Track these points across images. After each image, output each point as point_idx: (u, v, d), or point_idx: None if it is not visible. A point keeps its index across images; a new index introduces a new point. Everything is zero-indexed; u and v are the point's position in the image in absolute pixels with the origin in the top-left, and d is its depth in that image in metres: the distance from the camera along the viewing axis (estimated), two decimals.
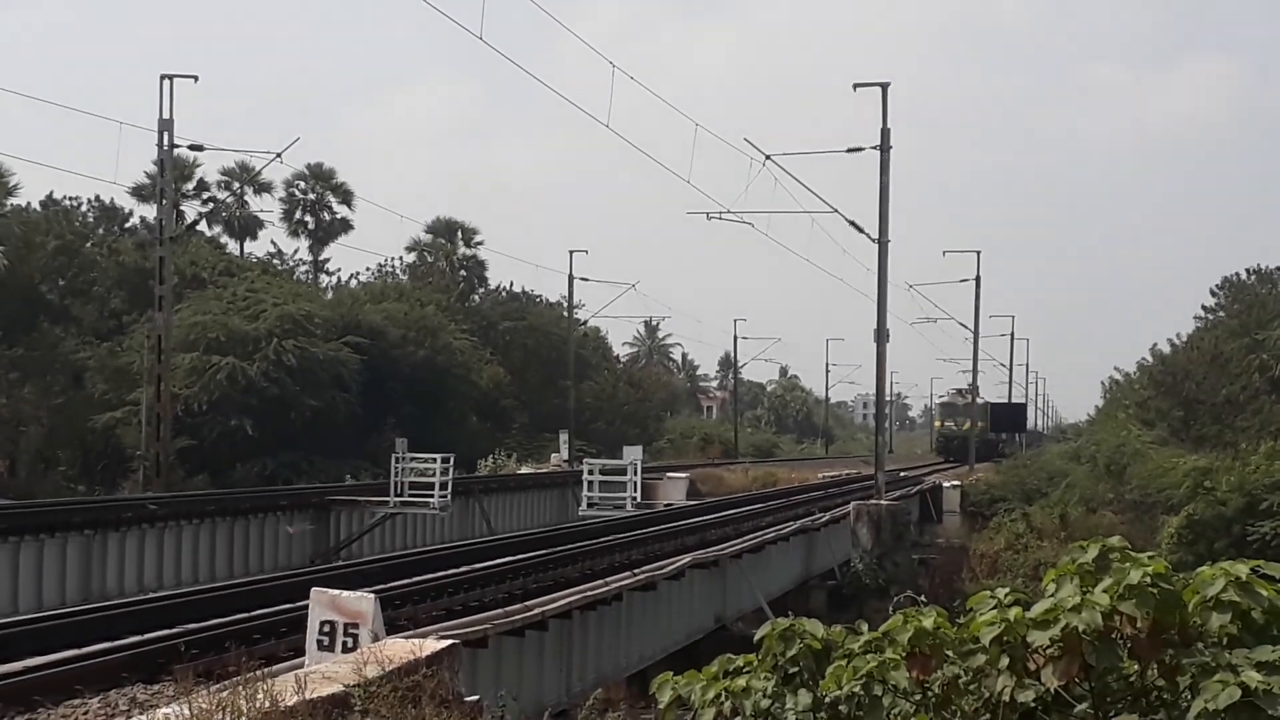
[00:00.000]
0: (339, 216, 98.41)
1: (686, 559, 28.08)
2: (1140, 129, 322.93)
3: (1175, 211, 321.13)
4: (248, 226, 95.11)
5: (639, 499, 49.26)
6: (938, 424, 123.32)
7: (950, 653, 7.24)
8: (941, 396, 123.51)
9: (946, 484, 63.03)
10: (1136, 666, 6.88)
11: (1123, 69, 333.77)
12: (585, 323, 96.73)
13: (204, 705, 9.07)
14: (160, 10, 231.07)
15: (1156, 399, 77.54)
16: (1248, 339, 76.12)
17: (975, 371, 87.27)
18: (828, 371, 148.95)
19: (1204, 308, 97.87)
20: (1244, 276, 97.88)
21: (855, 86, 46.64)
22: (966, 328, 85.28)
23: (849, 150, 47.47)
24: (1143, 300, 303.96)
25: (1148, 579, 6.65)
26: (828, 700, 7.62)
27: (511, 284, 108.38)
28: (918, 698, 7.38)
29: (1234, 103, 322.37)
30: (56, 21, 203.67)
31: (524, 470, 66.62)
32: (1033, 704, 6.95)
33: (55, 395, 60.30)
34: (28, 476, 55.36)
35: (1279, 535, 39.40)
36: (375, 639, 12.35)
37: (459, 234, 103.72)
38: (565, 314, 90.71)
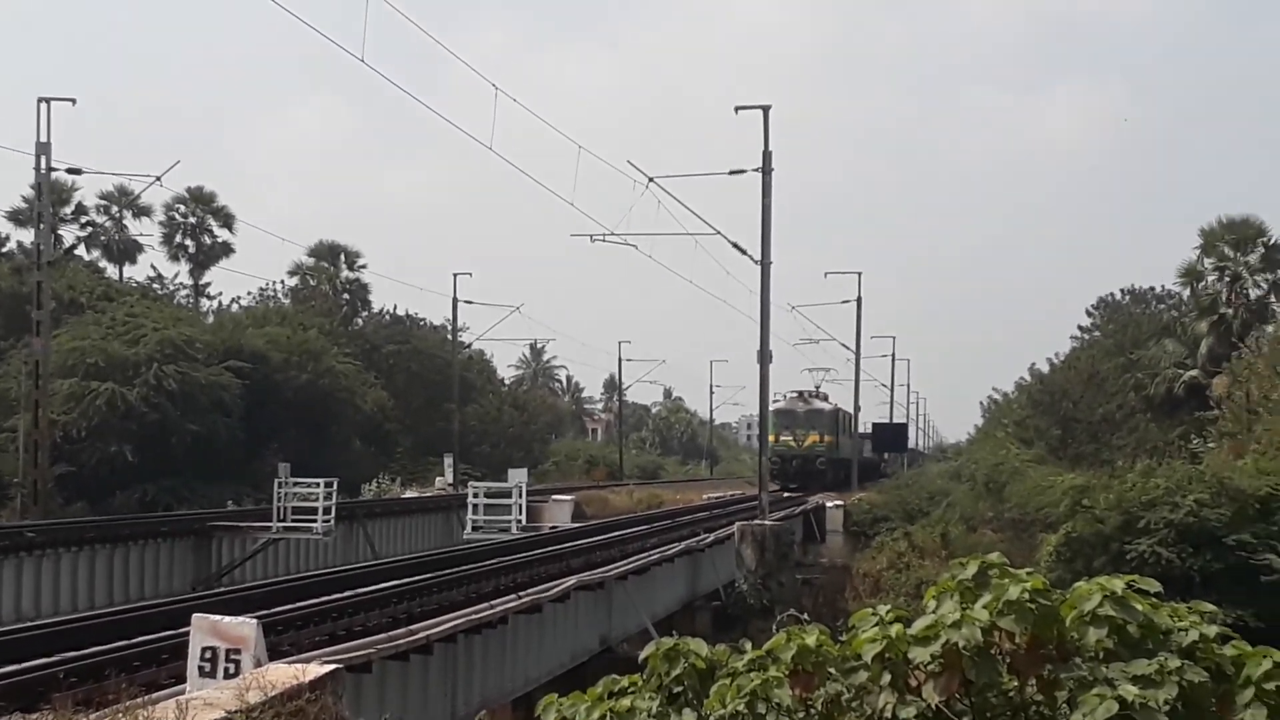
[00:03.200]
0: (220, 240, 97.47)
1: (572, 581, 28.04)
2: (1016, 151, 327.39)
3: (1052, 232, 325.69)
4: (127, 251, 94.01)
5: (524, 522, 49.09)
6: (772, 438, 75.23)
7: (833, 670, 7.29)
8: (776, 400, 79.24)
9: (830, 504, 63.43)
10: (1016, 682, 6.95)
11: (998, 92, 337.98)
12: (469, 346, 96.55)
13: None
14: (36, 34, 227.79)
15: (1034, 418, 78.59)
16: (1123, 358, 77.56)
17: (857, 392, 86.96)
18: (712, 393, 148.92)
19: (1080, 328, 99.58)
20: (1119, 297, 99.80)
21: (737, 109, 46.85)
22: (848, 348, 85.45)
23: (731, 172, 47.72)
24: (1021, 321, 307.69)
25: (1026, 595, 6.74)
26: (712, 719, 7.64)
27: (395, 307, 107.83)
28: (801, 715, 7.41)
29: (1106, 126, 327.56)
30: None
31: (408, 494, 66.31)
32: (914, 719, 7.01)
33: None
34: None
35: (1155, 552, 39.91)
36: (258, 664, 12.27)
37: (341, 257, 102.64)
38: (449, 337, 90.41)
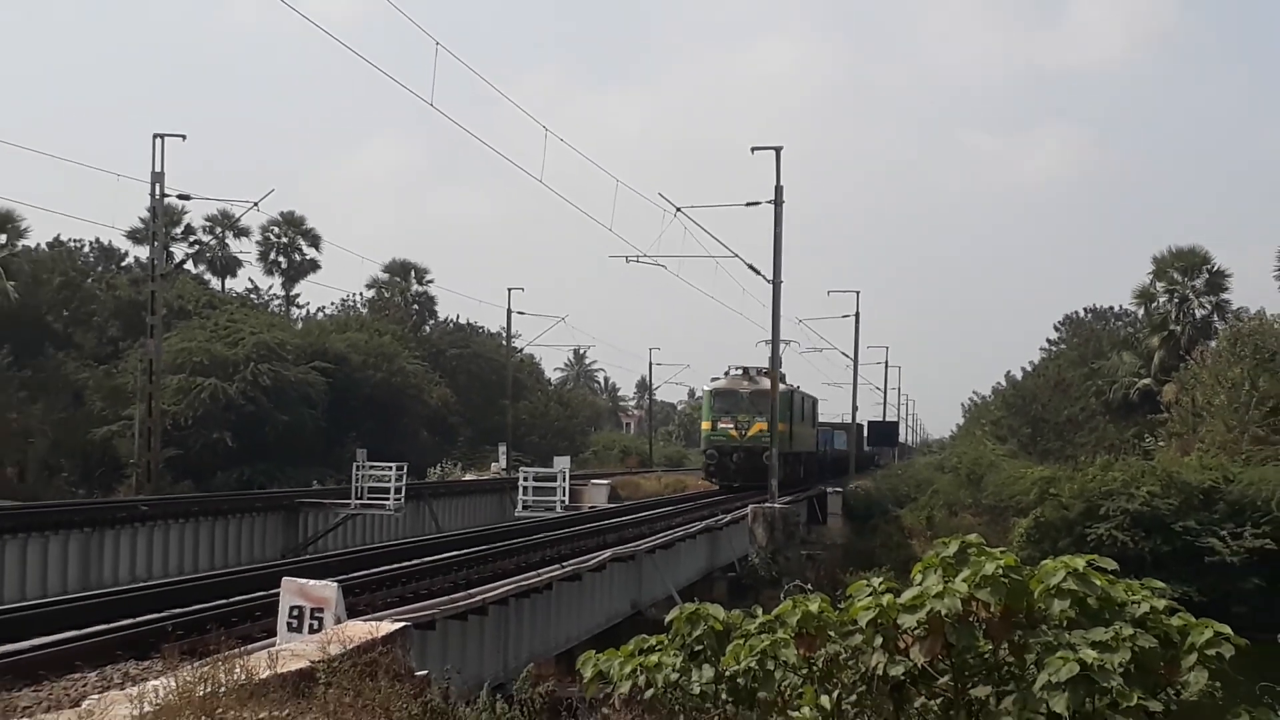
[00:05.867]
0: (308, 257, 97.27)
1: (607, 554, 28.01)
2: (998, 185, 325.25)
3: (1027, 257, 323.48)
4: (228, 266, 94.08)
5: (567, 502, 49.00)
6: (705, 425, 60.30)
7: (832, 633, 7.30)
8: (716, 380, 60.28)
9: (830, 490, 63.18)
10: (991, 645, 6.95)
11: (983, 133, 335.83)
12: (521, 351, 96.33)
13: (188, 678, 9.00)
14: (145, 71, 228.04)
15: (1008, 418, 78.44)
16: (1085, 367, 77.51)
17: (855, 394, 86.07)
18: None
19: (1049, 340, 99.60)
20: (1082, 314, 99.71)
21: (753, 150, 46.72)
22: (847, 356, 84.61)
23: (748, 204, 47.64)
24: (998, 332, 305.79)
25: (1000, 570, 6.74)
26: (727, 674, 7.67)
27: (458, 317, 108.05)
28: (804, 672, 7.44)
29: (1075, 165, 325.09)
30: (38, 74, 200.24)
31: (468, 477, 66.28)
32: (902, 677, 7.02)
33: (59, 411, 59.72)
34: (35, 482, 54.86)
35: (1113, 536, 40.02)
36: (338, 622, 12.28)
37: (412, 273, 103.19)
38: (504, 343, 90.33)
